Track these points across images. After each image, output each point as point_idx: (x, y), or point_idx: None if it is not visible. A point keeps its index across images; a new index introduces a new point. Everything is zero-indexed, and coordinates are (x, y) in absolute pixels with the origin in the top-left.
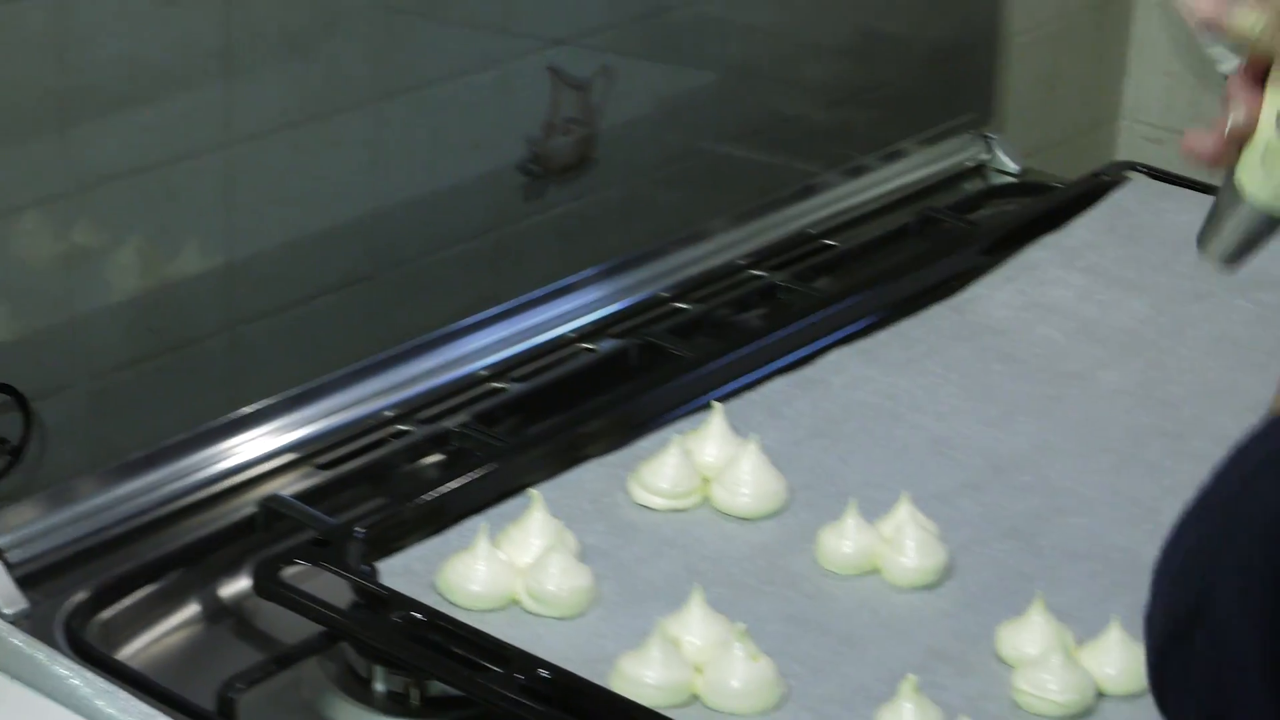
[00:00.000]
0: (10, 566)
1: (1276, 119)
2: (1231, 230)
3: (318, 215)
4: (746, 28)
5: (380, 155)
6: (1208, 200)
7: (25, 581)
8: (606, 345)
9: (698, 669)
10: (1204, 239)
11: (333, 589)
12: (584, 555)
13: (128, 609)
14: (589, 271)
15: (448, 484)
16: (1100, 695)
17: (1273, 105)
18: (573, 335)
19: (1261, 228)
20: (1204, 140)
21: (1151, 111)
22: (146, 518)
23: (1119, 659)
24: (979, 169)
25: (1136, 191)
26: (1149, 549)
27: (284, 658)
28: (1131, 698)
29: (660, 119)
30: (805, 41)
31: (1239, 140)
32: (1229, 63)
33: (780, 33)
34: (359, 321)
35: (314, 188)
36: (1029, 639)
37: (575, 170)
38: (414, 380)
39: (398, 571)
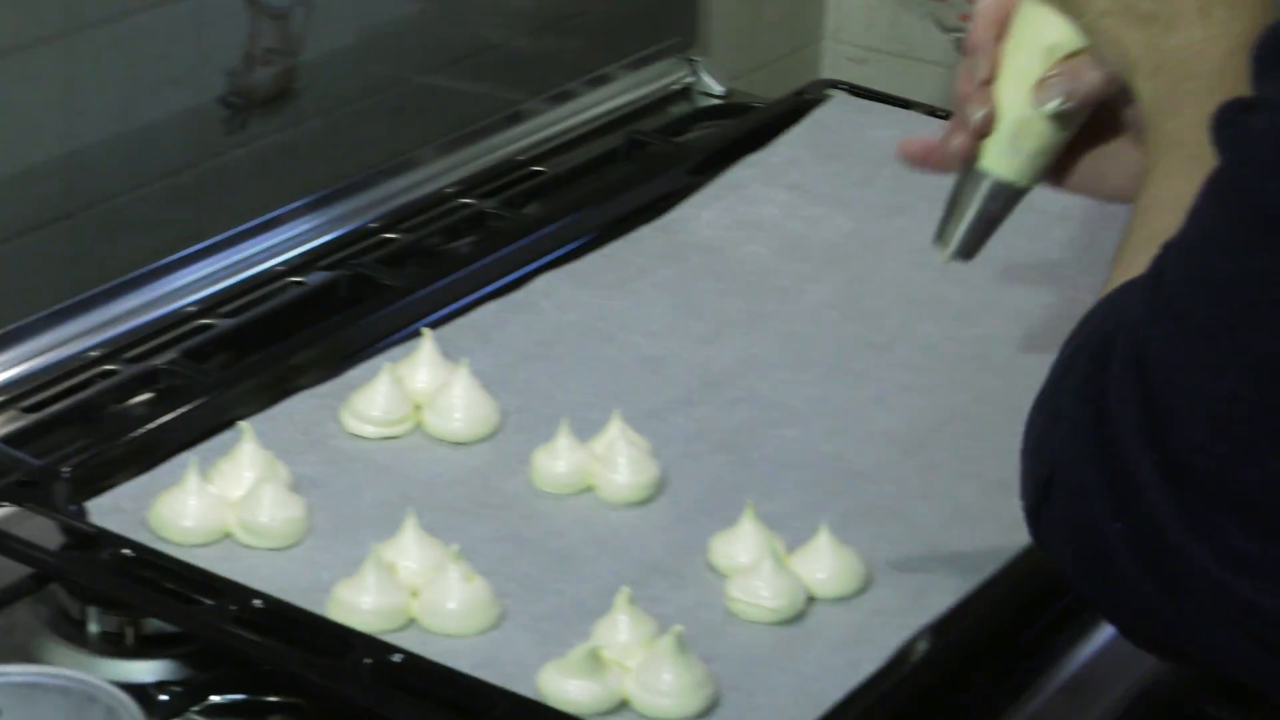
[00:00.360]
0: None
1: (1030, 94)
2: (977, 215)
3: (10, 154)
4: None
5: (74, 91)
6: (906, 115)
7: None
8: (316, 278)
9: (414, 593)
10: (944, 232)
11: (43, 532)
12: (297, 486)
13: None
14: (295, 204)
15: (156, 420)
16: (811, 599)
17: (1017, 85)
18: (281, 269)
19: (1004, 205)
20: (927, 144)
21: (854, 32)
22: None
23: (829, 564)
24: (685, 92)
25: (837, 109)
26: (857, 457)
27: None
28: (841, 600)
29: (362, 48)
30: None
31: (982, 132)
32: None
33: None
34: (60, 262)
35: (4, 125)
36: (741, 548)
37: (277, 102)
38: (120, 319)
39: (107, 510)
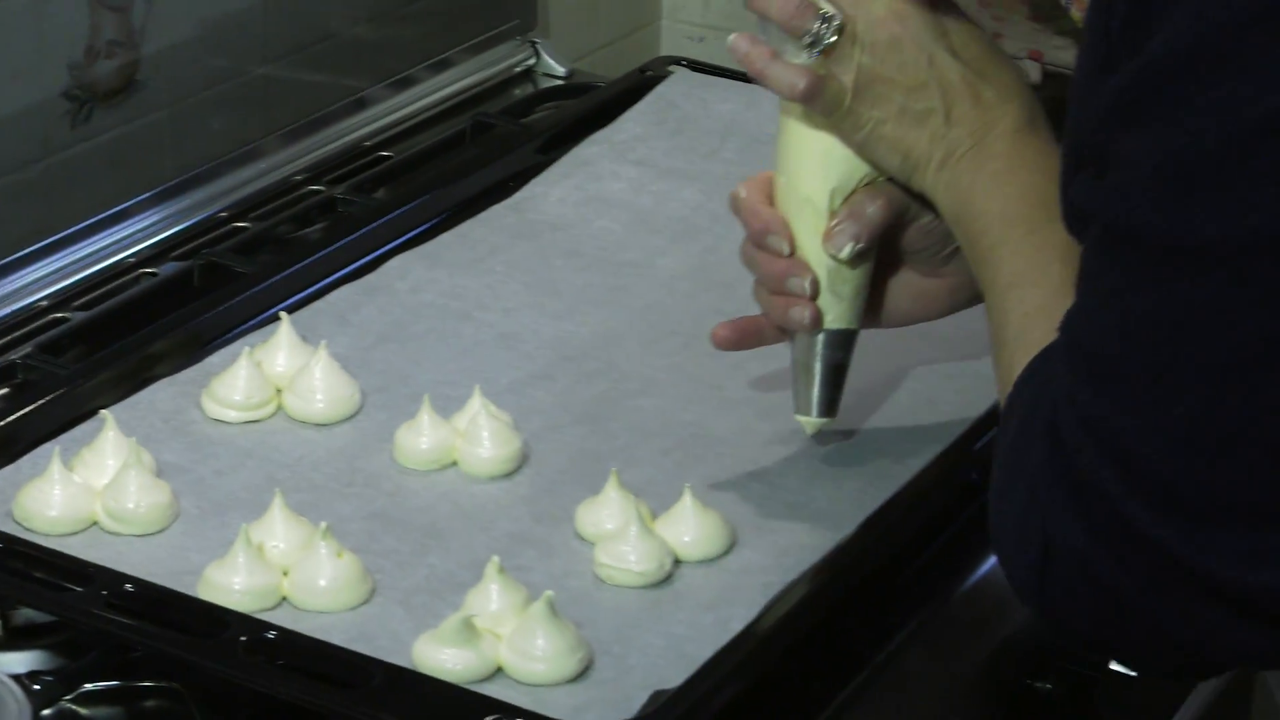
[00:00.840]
0: None
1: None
2: (825, 372)
3: None
4: None
5: None
6: (748, 89)
7: None
8: (169, 268)
9: (285, 572)
10: (800, 402)
11: None
12: (162, 472)
13: None
14: (144, 195)
15: (15, 413)
16: (677, 562)
17: (812, 239)
18: (133, 260)
19: (845, 351)
20: (741, 328)
21: (692, 10)
22: None
23: (693, 527)
24: (528, 74)
25: (680, 84)
26: (716, 422)
27: None
28: (706, 562)
29: (204, 39)
30: None
31: (815, 295)
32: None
33: None
34: None
35: None
36: (606, 515)
37: (121, 94)
38: None
39: None
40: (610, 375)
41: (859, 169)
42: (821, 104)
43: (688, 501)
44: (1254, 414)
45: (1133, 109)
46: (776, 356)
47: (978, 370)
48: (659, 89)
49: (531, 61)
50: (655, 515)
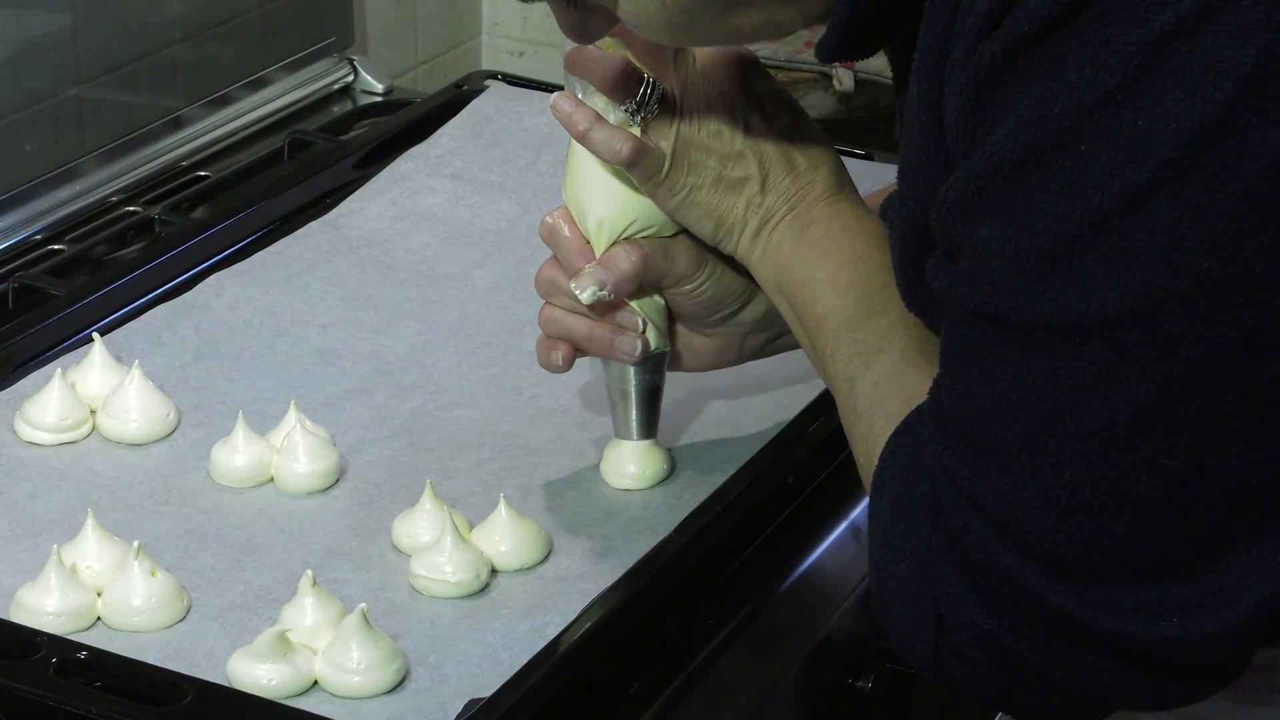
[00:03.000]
0: None
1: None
2: (640, 394)
3: None
4: None
5: None
6: None
7: None
8: None
9: (99, 592)
10: (621, 430)
11: None
12: None
13: None
14: None
15: None
16: (494, 571)
17: None
18: None
19: (656, 371)
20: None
21: (511, 26)
22: None
23: (509, 536)
24: (346, 91)
25: (495, 98)
26: (531, 432)
27: None
28: (522, 571)
29: (14, 61)
30: None
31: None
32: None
33: None
34: None
35: None
36: (422, 527)
37: None
38: None
39: None
40: (427, 388)
41: (655, 218)
42: (641, 170)
43: (503, 511)
44: (1133, 477)
45: (981, 199)
46: (588, 367)
47: (791, 375)
48: (474, 103)
49: (350, 79)
50: (472, 525)
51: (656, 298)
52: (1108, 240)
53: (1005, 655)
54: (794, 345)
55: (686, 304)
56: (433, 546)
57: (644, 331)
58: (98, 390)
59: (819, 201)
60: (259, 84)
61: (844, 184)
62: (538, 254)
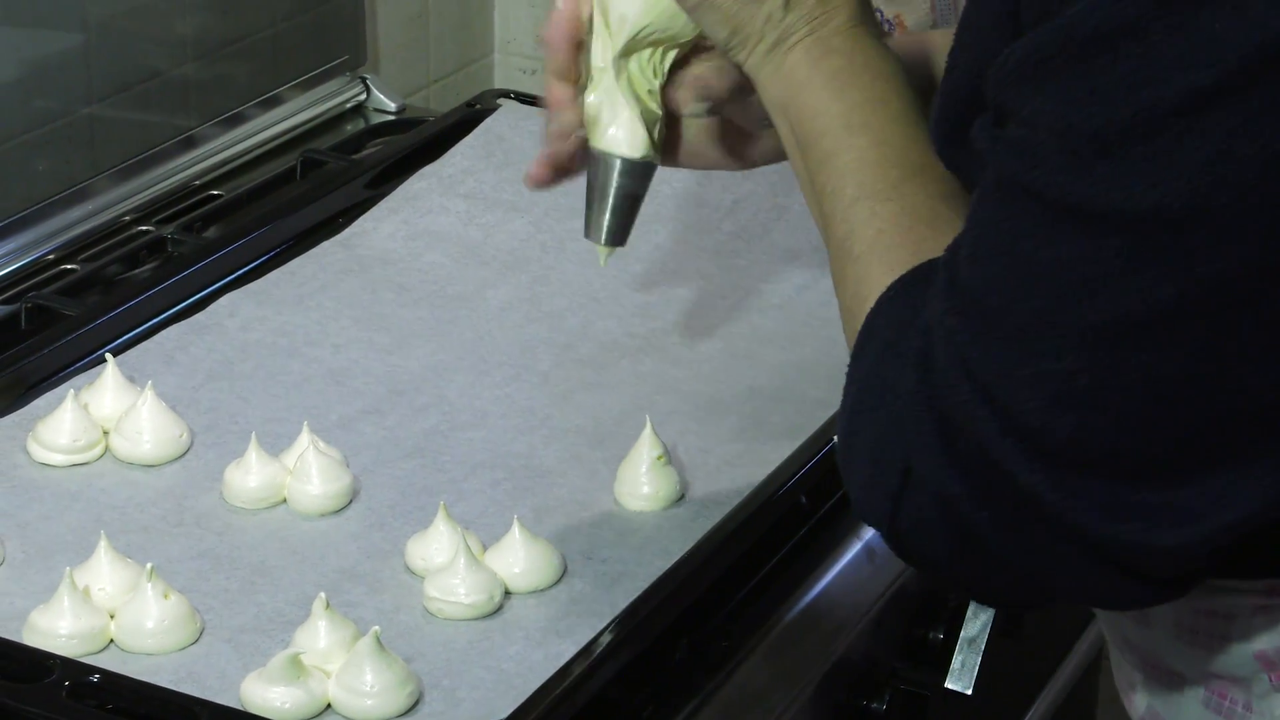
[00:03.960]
0: None
1: (613, 66)
2: (617, 199)
3: None
4: None
5: None
6: None
7: None
8: None
9: (112, 614)
10: (592, 231)
11: None
12: None
13: None
14: None
15: None
16: (507, 593)
17: (592, 61)
18: None
19: (639, 182)
20: (543, 162)
21: (523, 44)
22: None
23: (523, 558)
24: (359, 109)
25: (508, 117)
26: (545, 453)
27: None
28: (536, 592)
29: (27, 82)
30: None
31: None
32: None
33: None
34: None
35: None
36: (436, 548)
37: None
38: None
39: None
40: (440, 408)
41: (677, 21)
42: None
43: (516, 532)
44: (1130, 377)
45: (1043, 70)
46: (606, 387)
47: (804, 394)
48: (487, 122)
49: (362, 97)
50: (485, 547)
51: (654, 102)
52: (1159, 137)
53: (963, 522)
54: None
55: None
56: (446, 568)
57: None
58: (110, 411)
59: (841, 30)
60: (271, 103)
61: (868, 17)
62: (551, 273)
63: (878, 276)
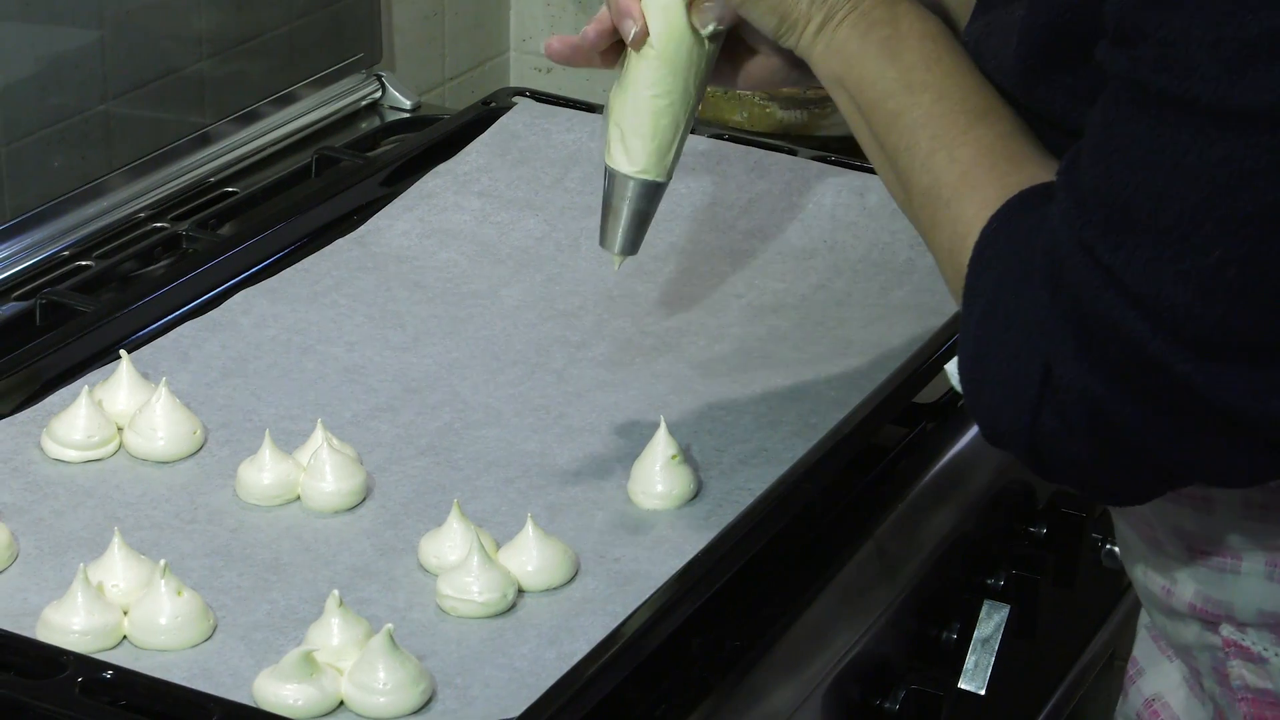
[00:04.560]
0: None
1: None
2: (630, 215)
3: None
4: None
5: None
6: (591, 119)
7: None
8: (9, 308)
9: (125, 611)
10: (607, 240)
11: None
12: (0, 514)
13: None
14: None
15: None
16: (521, 591)
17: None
18: None
19: (651, 202)
20: (571, 43)
21: (538, 41)
22: None
23: (536, 556)
24: (374, 107)
25: (523, 115)
26: (558, 451)
27: None
28: (549, 591)
29: (42, 77)
30: None
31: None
32: None
33: None
34: None
35: None
36: (449, 546)
37: None
38: None
39: None
40: (454, 406)
41: None
42: None
43: (530, 531)
44: (1277, 261)
45: None
46: (620, 386)
47: (819, 393)
48: (502, 120)
49: (377, 95)
50: (499, 545)
51: (683, 117)
52: None
53: (1109, 420)
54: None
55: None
56: (460, 566)
57: (637, 42)
58: (125, 408)
59: (880, 3)
60: (287, 100)
61: None
62: (565, 271)
63: (974, 213)
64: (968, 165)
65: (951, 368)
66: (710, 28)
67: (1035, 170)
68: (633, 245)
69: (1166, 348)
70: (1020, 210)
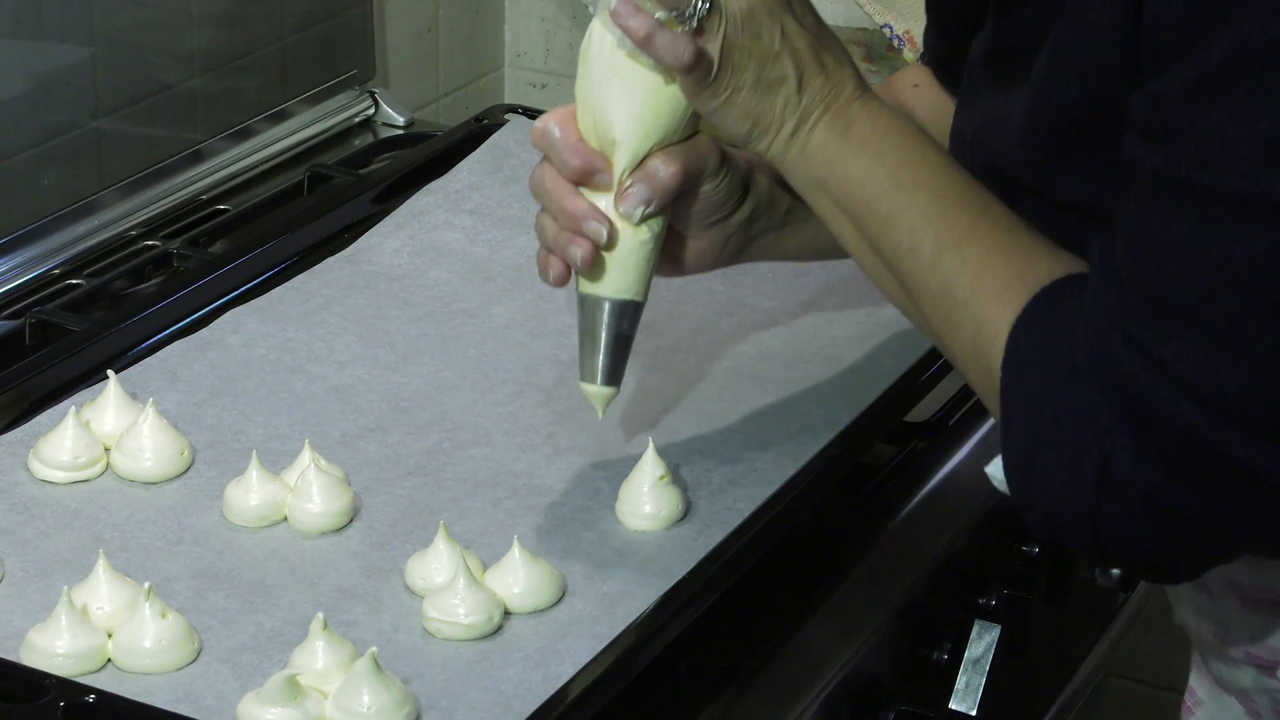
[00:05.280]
0: None
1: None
2: (610, 341)
3: None
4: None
5: None
6: None
7: None
8: None
9: (110, 633)
10: (586, 373)
11: None
12: None
13: None
14: None
15: None
16: (507, 613)
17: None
18: None
19: (631, 323)
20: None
21: (533, 57)
22: None
23: (523, 578)
24: (368, 124)
25: (515, 132)
26: (547, 472)
27: None
28: (536, 613)
29: (34, 96)
30: (176, 9)
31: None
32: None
33: (150, 2)
34: None
35: None
36: (436, 568)
37: None
38: None
39: None
40: (443, 426)
41: (675, 127)
42: (696, 74)
43: (517, 553)
44: None
45: (1217, 89)
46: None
47: (809, 413)
48: (494, 137)
49: (371, 111)
50: (486, 566)
51: (647, 244)
52: None
53: (1172, 507)
54: (764, 255)
55: (697, 203)
56: (446, 588)
57: (609, 247)
58: (112, 428)
59: (852, 101)
60: (279, 117)
61: (865, 83)
62: (556, 291)
63: (997, 313)
64: (980, 264)
65: (994, 470)
66: (638, 215)
67: (1050, 264)
68: (615, 374)
69: (1224, 434)
70: (1048, 307)
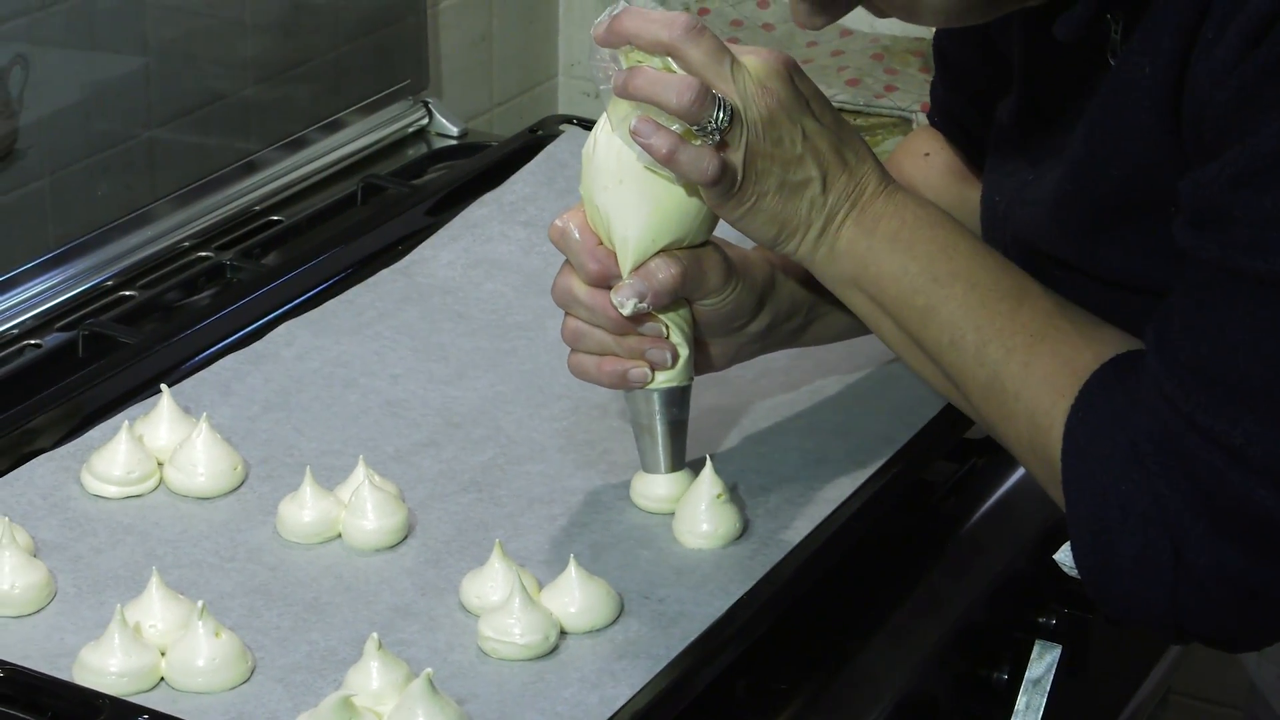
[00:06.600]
0: None
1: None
2: (666, 429)
3: None
4: (170, 9)
5: None
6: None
7: None
8: (52, 339)
9: (163, 652)
10: (649, 464)
11: None
12: (38, 551)
13: None
14: (27, 265)
15: None
16: (563, 633)
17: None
18: (16, 332)
19: (682, 406)
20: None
21: (586, 67)
22: None
23: (579, 597)
24: (421, 134)
25: (570, 143)
26: (603, 488)
27: None
28: (592, 633)
29: (86, 105)
30: (230, 19)
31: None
32: (607, 85)
33: (204, 11)
34: None
35: None
36: (491, 586)
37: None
38: None
39: None
40: (498, 441)
41: (687, 231)
42: (720, 186)
43: (573, 571)
44: None
45: (1269, 175)
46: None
47: (866, 429)
48: (549, 149)
49: (424, 121)
50: (542, 585)
51: (686, 329)
52: None
53: (1249, 586)
54: (788, 347)
55: (706, 315)
56: (501, 607)
57: (668, 336)
58: (165, 443)
59: (878, 196)
60: (333, 127)
61: (888, 175)
62: None
63: (1050, 403)
64: (1027, 353)
65: (1063, 557)
66: (629, 309)
67: (1097, 346)
68: (678, 459)
69: None
70: (1102, 392)
